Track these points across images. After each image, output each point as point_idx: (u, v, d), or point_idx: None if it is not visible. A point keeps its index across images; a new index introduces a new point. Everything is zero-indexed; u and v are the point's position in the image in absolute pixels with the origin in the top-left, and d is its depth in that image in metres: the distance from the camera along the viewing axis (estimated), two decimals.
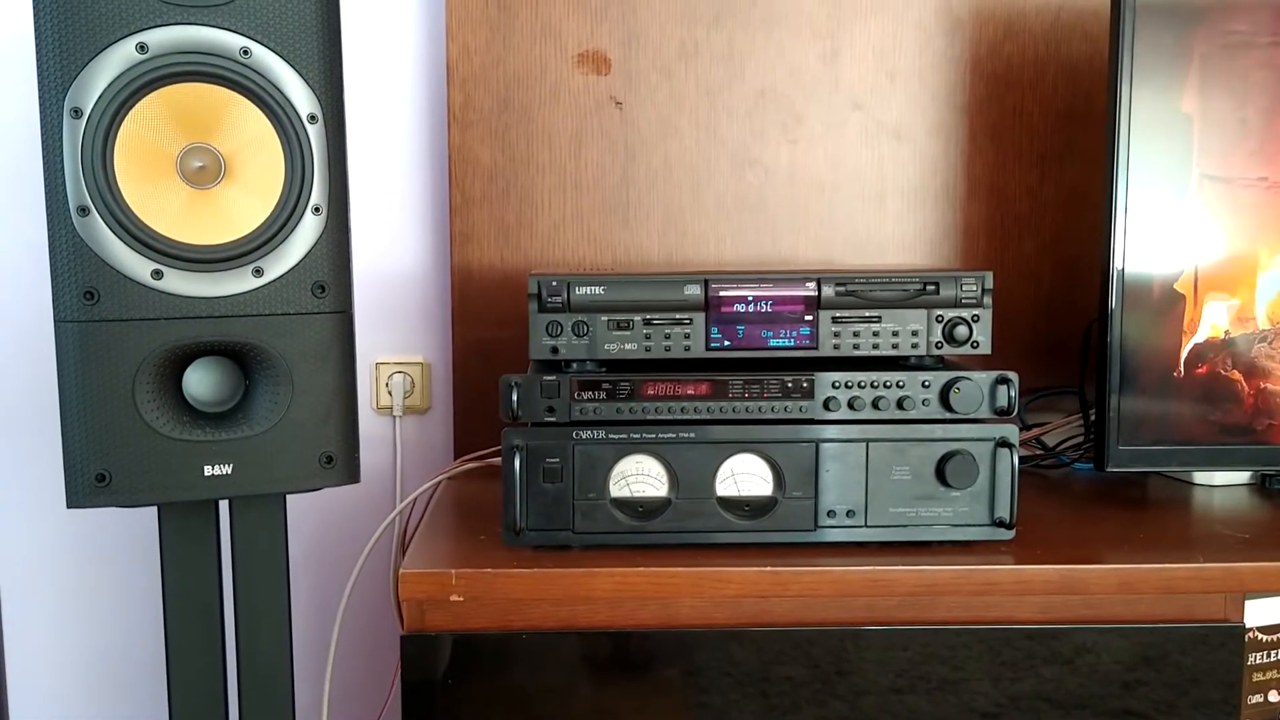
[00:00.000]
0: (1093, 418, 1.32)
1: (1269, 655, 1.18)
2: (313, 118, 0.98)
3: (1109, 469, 1.24)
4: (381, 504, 1.54)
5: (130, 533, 1.51)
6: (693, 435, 1.07)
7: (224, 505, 1.05)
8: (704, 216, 1.48)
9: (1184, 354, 1.24)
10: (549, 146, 1.46)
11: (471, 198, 1.46)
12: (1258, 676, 1.18)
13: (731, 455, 1.08)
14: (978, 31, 1.47)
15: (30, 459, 1.49)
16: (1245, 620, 1.13)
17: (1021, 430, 1.43)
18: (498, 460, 1.39)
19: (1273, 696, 1.20)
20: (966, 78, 1.48)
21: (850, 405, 1.08)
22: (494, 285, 1.47)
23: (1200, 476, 1.36)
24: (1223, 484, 1.36)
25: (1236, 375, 1.24)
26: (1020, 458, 1.10)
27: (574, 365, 1.09)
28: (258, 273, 0.98)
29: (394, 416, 1.54)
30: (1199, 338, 1.24)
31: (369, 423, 1.52)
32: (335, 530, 1.53)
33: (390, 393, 1.54)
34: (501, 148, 1.46)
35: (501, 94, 1.45)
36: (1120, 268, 1.22)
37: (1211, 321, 1.24)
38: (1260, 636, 1.17)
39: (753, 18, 1.46)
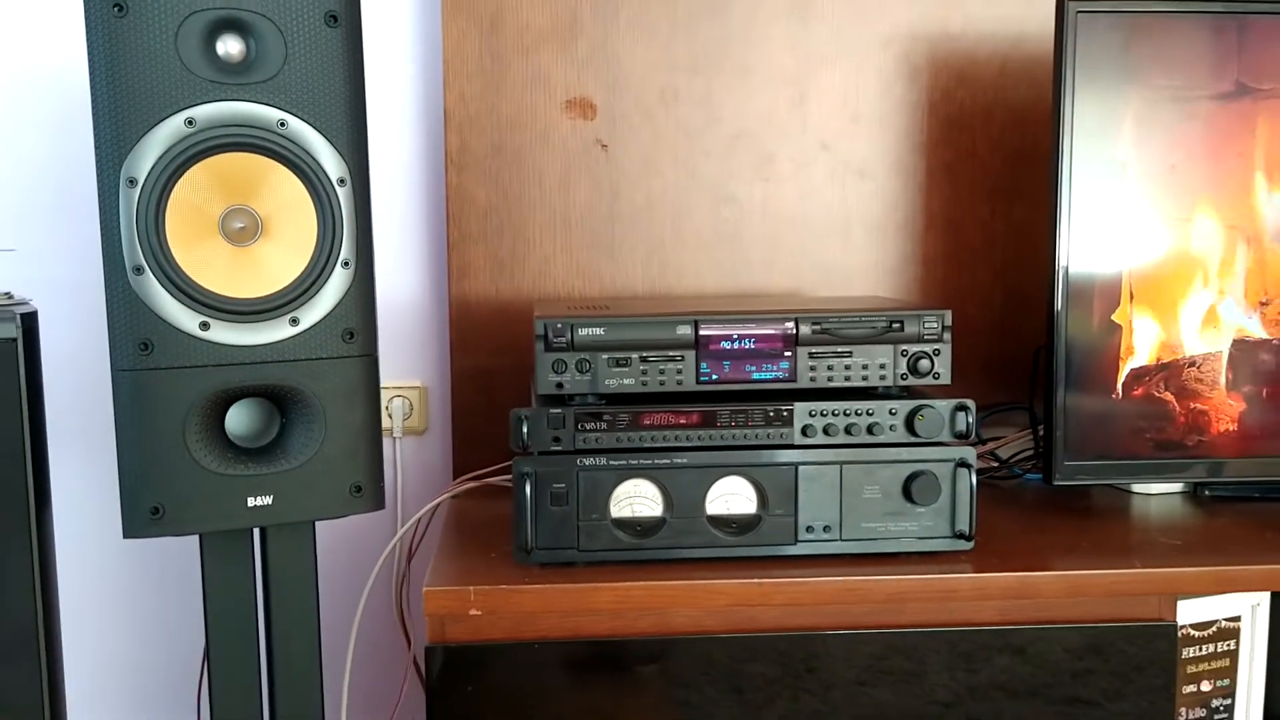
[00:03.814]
0: (1041, 433, 1.45)
1: (1200, 649, 1.32)
2: (342, 181, 1.08)
3: (1056, 483, 1.37)
4: (382, 520, 1.64)
5: (172, 556, 1.60)
6: (685, 460, 1.19)
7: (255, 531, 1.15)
8: (684, 249, 1.60)
9: (1121, 378, 1.37)
10: (540, 186, 1.57)
11: (468, 234, 1.57)
12: (1191, 669, 1.32)
13: (720, 478, 1.20)
14: (933, 79, 1.60)
15: (85, 493, 1.57)
16: (1178, 619, 1.27)
17: (978, 444, 1.56)
18: (496, 480, 1.51)
19: (1205, 686, 1.34)
20: (923, 121, 1.61)
21: (825, 432, 1.21)
22: (490, 315, 1.58)
23: (1139, 486, 1.50)
24: (1159, 493, 1.50)
25: (1169, 396, 1.38)
26: (977, 470, 1.23)
27: (577, 399, 1.20)
28: (294, 322, 1.08)
29: (394, 438, 1.64)
30: (1135, 363, 1.37)
31: None
32: (337, 546, 1.63)
33: (390, 415, 1.63)
34: (495, 187, 1.56)
35: (495, 138, 1.56)
36: (1064, 300, 1.35)
37: (1145, 348, 1.38)
38: (1192, 633, 1.31)
39: (727, 66, 1.58)
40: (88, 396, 1.53)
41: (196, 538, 1.12)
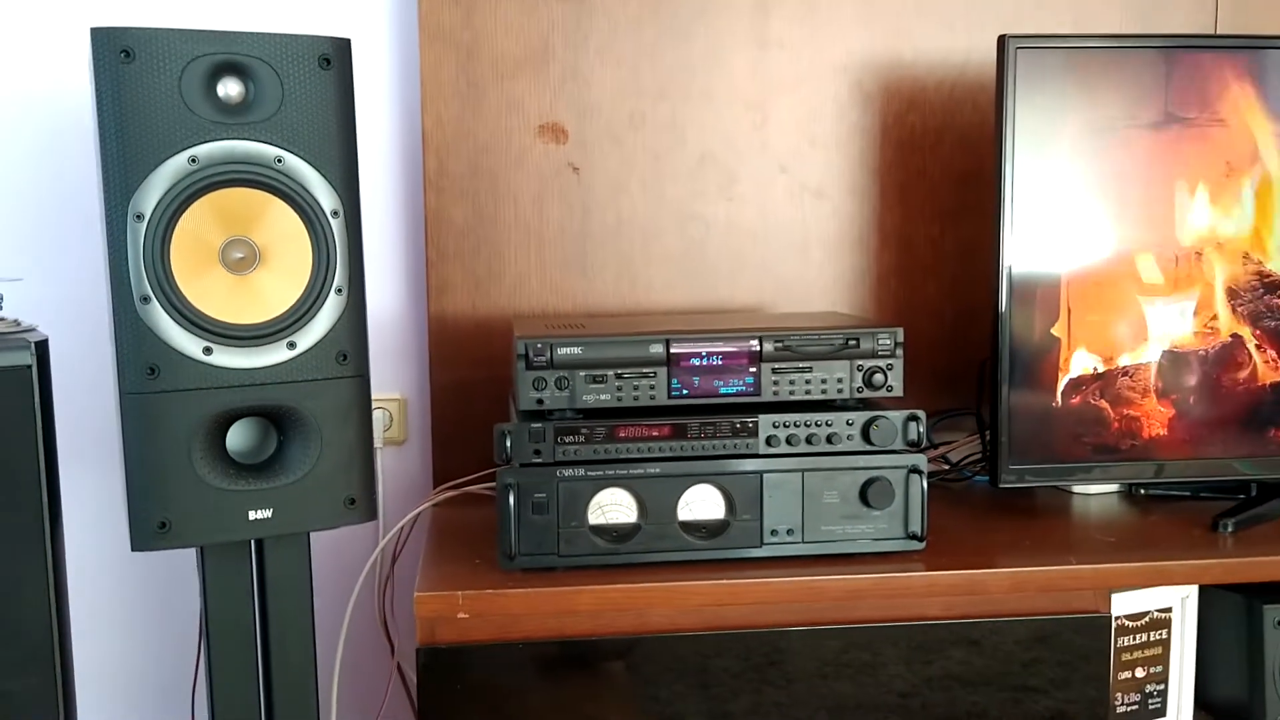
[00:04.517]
0: (989, 438, 1.55)
1: (1134, 639, 1.43)
2: (335, 213, 1.15)
3: (1001, 485, 1.47)
4: (362, 527, 1.70)
5: (171, 565, 1.66)
6: (658, 470, 1.27)
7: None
8: (653, 266, 1.68)
9: (1060, 387, 1.48)
10: (514, 207, 1.65)
11: (446, 253, 1.64)
12: (1125, 656, 1.43)
13: (690, 486, 1.28)
14: (885, 104, 1.70)
15: (92, 508, 1.63)
16: (1113, 611, 1.37)
17: (929, 449, 1.66)
18: (474, 488, 1.58)
19: (1139, 673, 1.44)
20: (877, 144, 1.70)
21: (788, 442, 1.30)
22: (468, 330, 1.65)
23: (1079, 487, 1.60)
24: (1097, 493, 1.61)
25: (1104, 404, 1.49)
26: (929, 472, 1.33)
27: (556, 414, 1.28)
28: (291, 346, 1.15)
29: (375, 448, 1.71)
30: (1073, 374, 1.48)
31: None
32: (319, 554, 1.68)
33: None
34: (472, 208, 1.64)
35: (471, 161, 1.63)
36: (1007, 314, 1.45)
37: (1082, 359, 1.48)
38: (1126, 623, 1.42)
39: (692, 91, 1.66)
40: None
41: (190, 550, 1.19)
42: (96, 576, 1.66)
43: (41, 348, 1.08)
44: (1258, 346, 1.50)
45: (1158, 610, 1.43)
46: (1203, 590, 1.45)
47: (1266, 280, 1.49)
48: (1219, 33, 1.73)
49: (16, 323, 1.15)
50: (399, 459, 1.73)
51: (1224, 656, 1.46)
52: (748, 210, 1.69)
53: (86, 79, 1.51)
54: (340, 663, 1.48)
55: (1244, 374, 1.50)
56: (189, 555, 1.52)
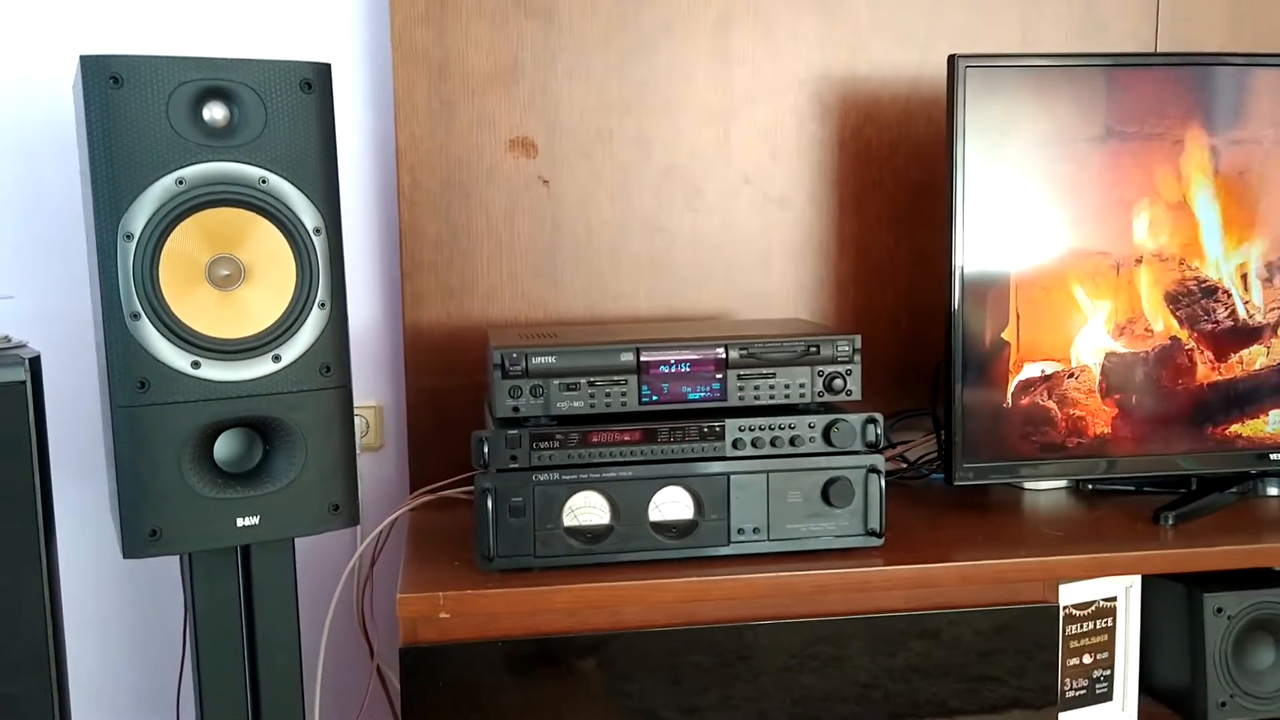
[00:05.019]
0: (943, 438, 1.63)
1: (1081, 627, 1.51)
2: (317, 230, 1.20)
3: (956, 483, 1.54)
4: (342, 532, 1.75)
5: (151, 575, 1.70)
6: (629, 473, 1.33)
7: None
8: (621, 276, 1.74)
9: (1010, 389, 1.55)
10: (486, 219, 1.70)
11: (420, 264, 1.69)
12: (1074, 644, 1.50)
13: (661, 488, 1.34)
14: (843, 117, 1.77)
15: (81, 516, 1.67)
16: (1061, 601, 1.45)
17: (888, 448, 1.73)
18: (450, 492, 1.64)
19: (1086, 659, 1.52)
20: (835, 155, 1.77)
21: (753, 444, 1.36)
22: (442, 339, 1.70)
23: (1029, 483, 1.68)
24: (1046, 489, 1.69)
25: (1052, 405, 1.56)
26: (887, 471, 1.39)
27: (531, 421, 1.33)
28: (276, 359, 1.19)
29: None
30: (1022, 376, 1.55)
31: None
32: (300, 557, 1.73)
33: None
34: (445, 221, 1.68)
35: (444, 175, 1.68)
36: (959, 319, 1.52)
37: (1030, 363, 1.56)
38: (1074, 612, 1.49)
39: (657, 106, 1.72)
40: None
41: (172, 559, 1.23)
42: (81, 585, 1.69)
43: (35, 364, 1.12)
44: (1194, 348, 1.58)
45: (1103, 600, 1.51)
46: (1146, 580, 1.53)
47: (1203, 285, 1.57)
48: (1159, 50, 1.81)
49: (8, 339, 1.19)
50: (376, 465, 1.78)
51: (1166, 642, 1.54)
52: (712, 220, 1.76)
53: (69, 100, 1.55)
54: (323, 667, 1.52)
55: (1183, 374, 1.58)
56: (170, 565, 1.56)
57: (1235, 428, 1.60)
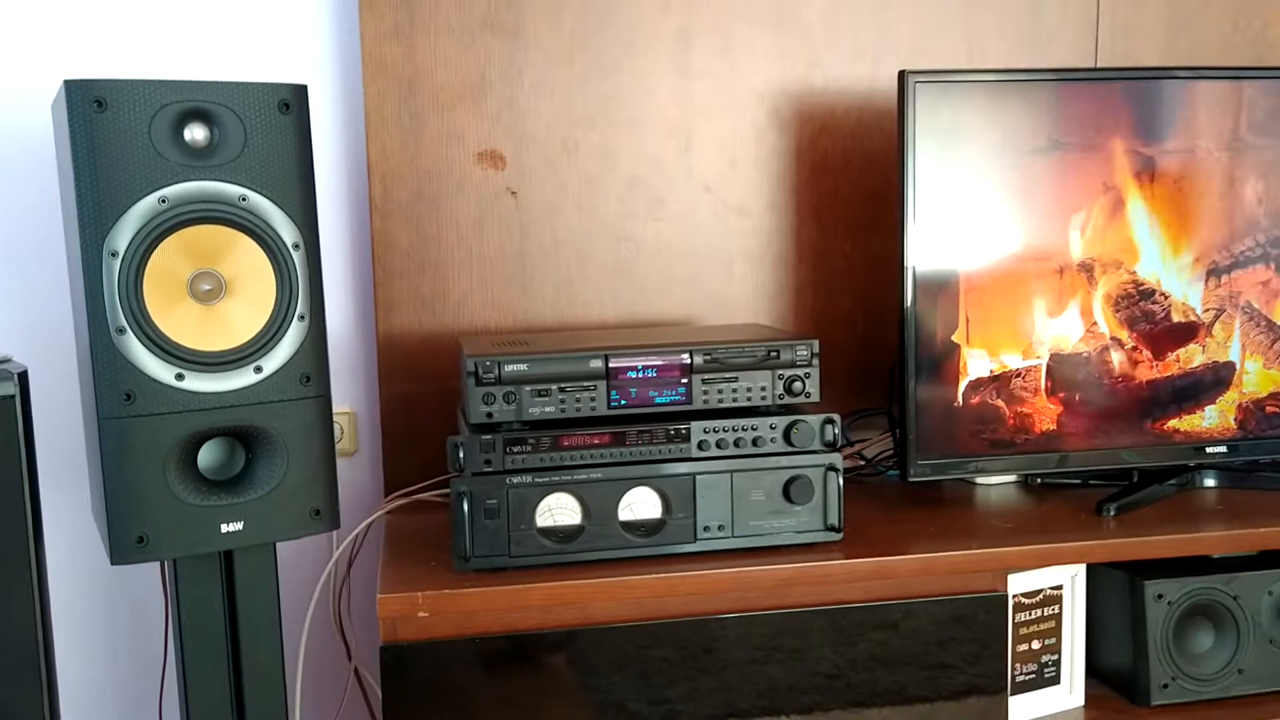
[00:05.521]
0: (898, 436, 1.70)
1: (1029, 615, 1.58)
2: (296, 246, 1.24)
3: (911, 479, 1.61)
4: (318, 536, 1.79)
5: (133, 583, 1.73)
6: (600, 475, 1.39)
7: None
8: (588, 283, 1.79)
9: (961, 389, 1.63)
10: (456, 229, 1.75)
11: (392, 273, 1.73)
12: (1022, 630, 1.58)
13: (630, 489, 1.40)
14: (799, 129, 1.83)
15: (67, 524, 1.70)
16: (1010, 590, 1.52)
17: (846, 446, 1.80)
18: (424, 496, 1.68)
19: (1034, 645, 1.59)
20: (793, 165, 1.84)
21: (717, 445, 1.42)
22: (414, 346, 1.75)
23: (980, 478, 1.76)
24: (997, 483, 1.76)
25: (1000, 403, 1.64)
26: (845, 468, 1.46)
27: (505, 426, 1.38)
28: (258, 370, 1.24)
29: None
30: (971, 376, 1.63)
31: None
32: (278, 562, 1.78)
33: None
34: (416, 231, 1.73)
35: (415, 187, 1.72)
36: (912, 322, 1.59)
37: (979, 363, 1.63)
38: (1022, 600, 1.57)
39: (621, 119, 1.78)
40: (68, 442, 1.65)
41: (153, 567, 1.27)
42: (68, 591, 1.72)
43: (23, 379, 1.16)
44: (1134, 348, 1.66)
45: (1050, 588, 1.59)
46: (1090, 569, 1.61)
47: (1140, 288, 1.65)
48: (1099, 61, 1.89)
49: None
50: (351, 470, 1.82)
51: (1111, 628, 1.62)
52: (675, 229, 1.81)
53: (48, 116, 1.58)
54: (303, 669, 1.57)
55: (1124, 373, 1.66)
56: (150, 571, 1.60)
57: (1173, 423, 1.69)
